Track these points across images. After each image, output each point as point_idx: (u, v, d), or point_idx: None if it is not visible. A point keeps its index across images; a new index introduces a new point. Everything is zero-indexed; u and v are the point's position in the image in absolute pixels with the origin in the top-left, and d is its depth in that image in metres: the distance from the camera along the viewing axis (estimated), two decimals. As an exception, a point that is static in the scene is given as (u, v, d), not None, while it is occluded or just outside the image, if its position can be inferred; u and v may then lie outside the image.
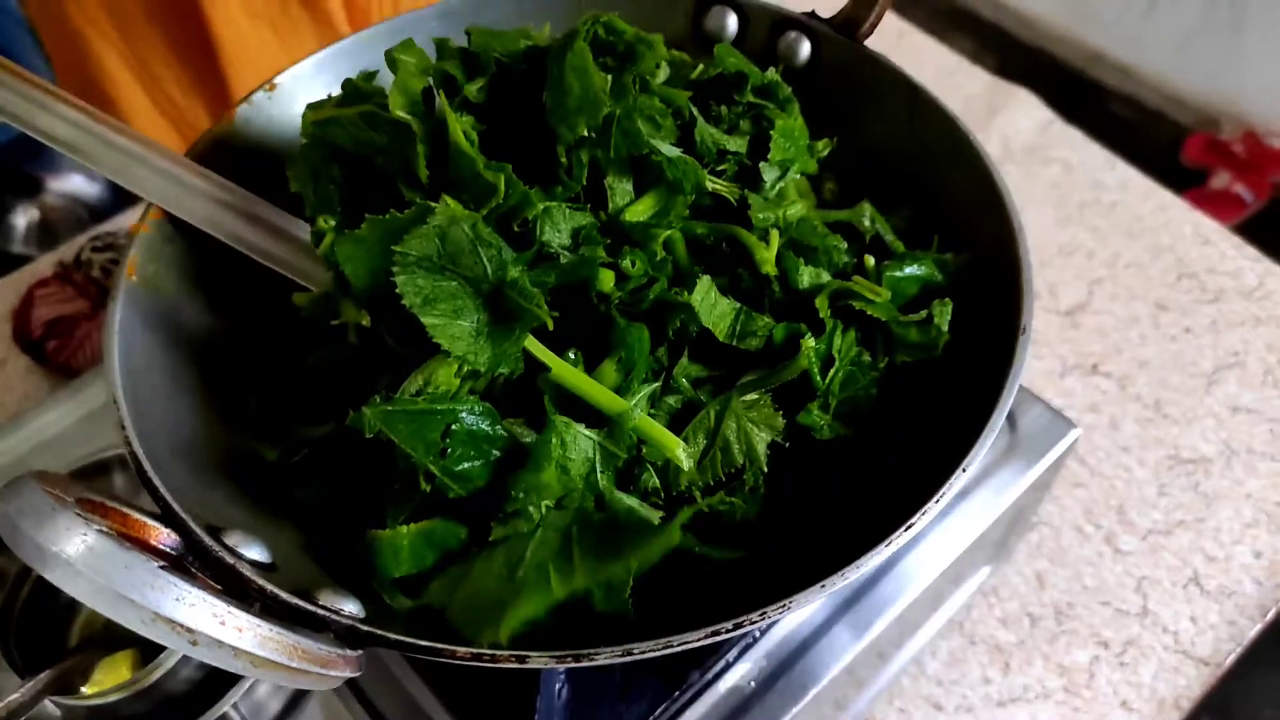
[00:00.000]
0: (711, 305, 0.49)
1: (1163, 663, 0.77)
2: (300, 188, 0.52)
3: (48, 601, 0.63)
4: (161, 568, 0.33)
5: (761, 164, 0.54)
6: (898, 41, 1.25)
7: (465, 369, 0.45)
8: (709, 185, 0.53)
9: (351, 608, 0.40)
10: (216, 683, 0.61)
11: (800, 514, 0.49)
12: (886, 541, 0.40)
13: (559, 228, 0.48)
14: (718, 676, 0.59)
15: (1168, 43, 2.16)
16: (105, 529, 0.33)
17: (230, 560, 0.39)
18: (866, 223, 0.58)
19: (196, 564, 0.39)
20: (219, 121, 0.58)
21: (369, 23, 0.99)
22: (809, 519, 0.49)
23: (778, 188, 0.55)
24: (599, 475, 0.45)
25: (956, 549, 0.65)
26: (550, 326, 0.45)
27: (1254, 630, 0.78)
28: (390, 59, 0.52)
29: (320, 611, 0.39)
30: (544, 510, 0.44)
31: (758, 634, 0.60)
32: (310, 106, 0.53)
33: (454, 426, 0.44)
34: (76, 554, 0.32)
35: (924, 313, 0.52)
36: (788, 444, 0.49)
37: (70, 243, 1.02)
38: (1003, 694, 0.77)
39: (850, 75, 0.62)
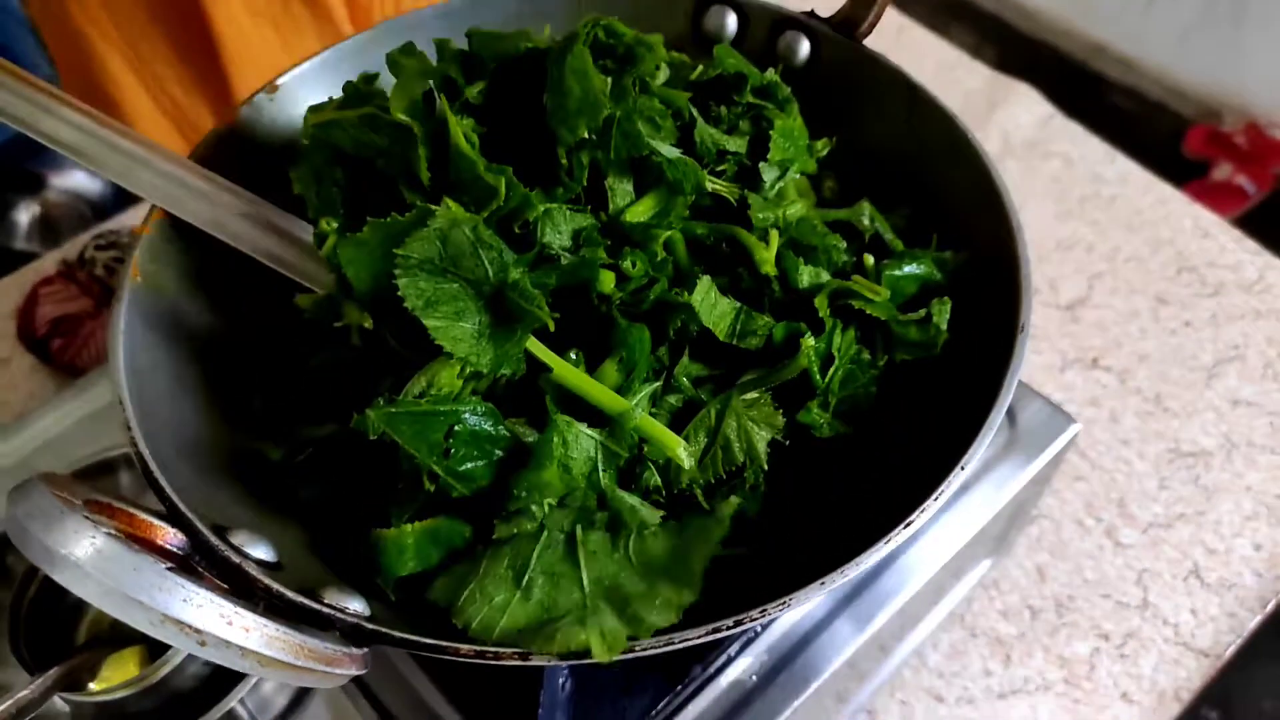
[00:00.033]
0: (712, 305, 0.50)
1: (1163, 655, 0.78)
2: (303, 190, 0.53)
3: (56, 599, 0.63)
4: (169, 569, 0.33)
5: (761, 164, 0.55)
6: (897, 37, 1.25)
7: (467, 370, 0.45)
8: (709, 185, 0.53)
9: (357, 606, 0.41)
10: (223, 679, 0.62)
11: (800, 511, 0.50)
12: (886, 539, 0.41)
13: (560, 229, 0.49)
14: (719, 671, 0.59)
15: (1169, 35, 2.16)
16: (113, 531, 0.33)
17: (236, 559, 0.39)
18: (866, 221, 0.58)
19: (203, 563, 0.39)
20: (221, 123, 0.58)
21: (370, 21, 0.99)
22: (809, 516, 0.50)
23: (777, 187, 0.55)
24: (601, 474, 0.46)
25: (957, 543, 0.65)
26: (551, 327, 0.46)
27: (1254, 622, 0.79)
28: (391, 62, 0.53)
29: (326, 610, 0.39)
30: (546, 509, 0.44)
31: (759, 629, 0.61)
32: (312, 109, 0.53)
33: (457, 427, 0.44)
34: (85, 557, 0.32)
35: (923, 311, 0.52)
36: (788, 442, 0.50)
37: (74, 241, 1.02)
38: (1004, 686, 0.77)
39: (849, 74, 0.62)
